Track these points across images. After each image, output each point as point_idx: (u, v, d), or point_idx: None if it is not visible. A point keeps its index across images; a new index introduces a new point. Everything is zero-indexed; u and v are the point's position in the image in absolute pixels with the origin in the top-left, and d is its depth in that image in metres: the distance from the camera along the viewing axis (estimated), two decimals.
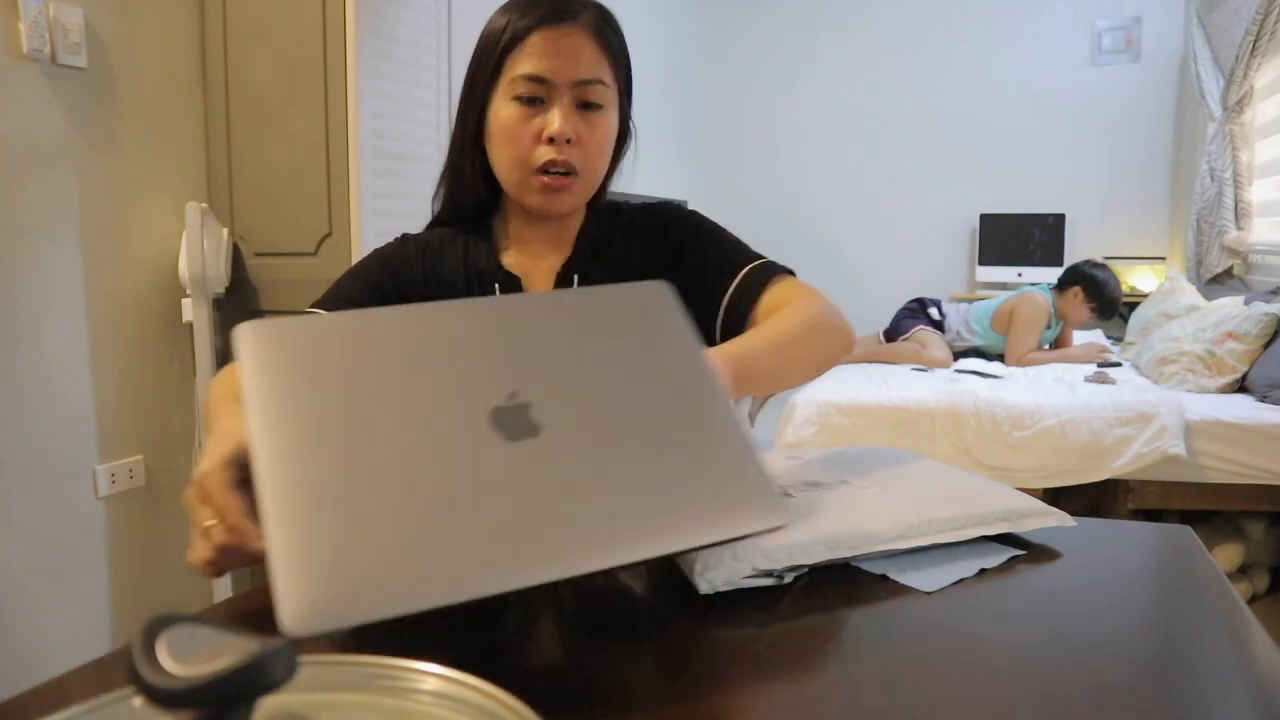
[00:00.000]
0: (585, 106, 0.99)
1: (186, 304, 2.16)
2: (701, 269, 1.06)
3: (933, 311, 3.71)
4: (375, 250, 1.08)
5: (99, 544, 2.06)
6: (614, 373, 0.60)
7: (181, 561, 2.24)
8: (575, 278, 1.06)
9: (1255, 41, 3.41)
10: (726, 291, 1.04)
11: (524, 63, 0.97)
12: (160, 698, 0.29)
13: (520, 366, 0.57)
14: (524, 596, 0.53)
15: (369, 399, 0.53)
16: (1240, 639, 0.64)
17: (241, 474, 0.63)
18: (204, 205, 2.15)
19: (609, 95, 1.01)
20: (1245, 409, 2.53)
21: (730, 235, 1.12)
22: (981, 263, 4.69)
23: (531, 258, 1.07)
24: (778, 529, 0.58)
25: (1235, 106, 3.66)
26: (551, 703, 0.40)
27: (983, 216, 4.69)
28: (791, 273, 1.08)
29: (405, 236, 1.10)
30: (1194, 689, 0.54)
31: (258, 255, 2.28)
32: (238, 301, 2.28)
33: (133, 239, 2.12)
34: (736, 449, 0.59)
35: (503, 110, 0.98)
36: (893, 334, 3.67)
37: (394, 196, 2.28)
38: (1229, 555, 2.50)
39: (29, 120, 1.88)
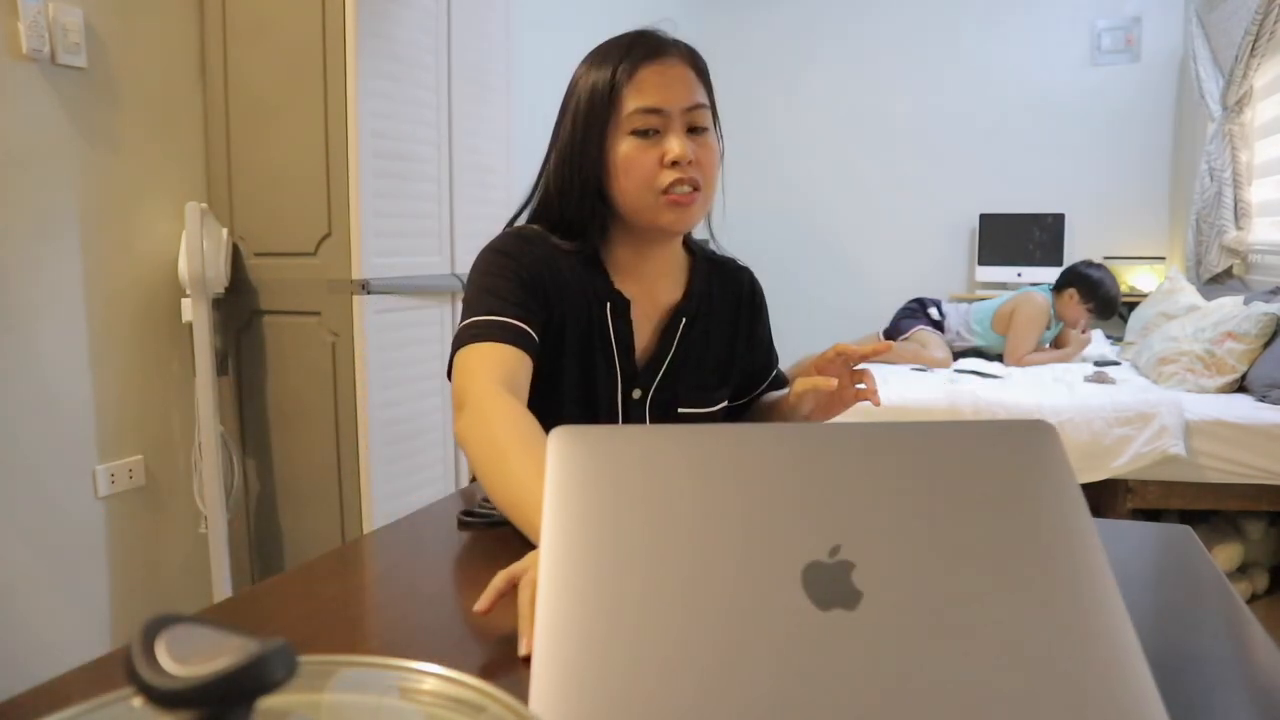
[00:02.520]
0: (694, 130, 1.07)
1: (186, 304, 2.16)
2: (754, 351, 1.26)
3: (932, 311, 3.71)
4: (496, 252, 1.08)
5: (99, 544, 2.06)
6: (968, 535, 0.47)
7: (181, 561, 2.24)
8: (683, 320, 1.16)
9: (1255, 41, 3.41)
10: (755, 391, 1.28)
11: (637, 98, 1.05)
12: (160, 698, 0.29)
13: (850, 514, 0.47)
14: None
15: (671, 530, 0.47)
16: (1240, 639, 0.64)
17: None
18: (204, 205, 2.15)
19: (710, 118, 1.10)
20: (1245, 409, 2.53)
21: (769, 325, 1.31)
22: (981, 263, 4.69)
23: (641, 286, 1.15)
24: None
25: (1235, 106, 3.66)
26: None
27: (982, 216, 4.69)
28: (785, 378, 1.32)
29: (519, 234, 1.11)
30: (1194, 689, 0.54)
31: (257, 255, 2.28)
32: (237, 301, 2.28)
33: (133, 239, 2.12)
34: (1123, 663, 0.44)
35: (622, 146, 1.06)
36: (892, 334, 3.67)
37: (394, 196, 2.28)
38: (1229, 555, 2.50)
39: (29, 120, 1.88)
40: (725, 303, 1.22)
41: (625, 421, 1.13)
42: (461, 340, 1.01)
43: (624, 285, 1.13)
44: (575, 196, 1.09)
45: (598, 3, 3.70)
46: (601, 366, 1.11)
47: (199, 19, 2.26)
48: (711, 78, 1.13)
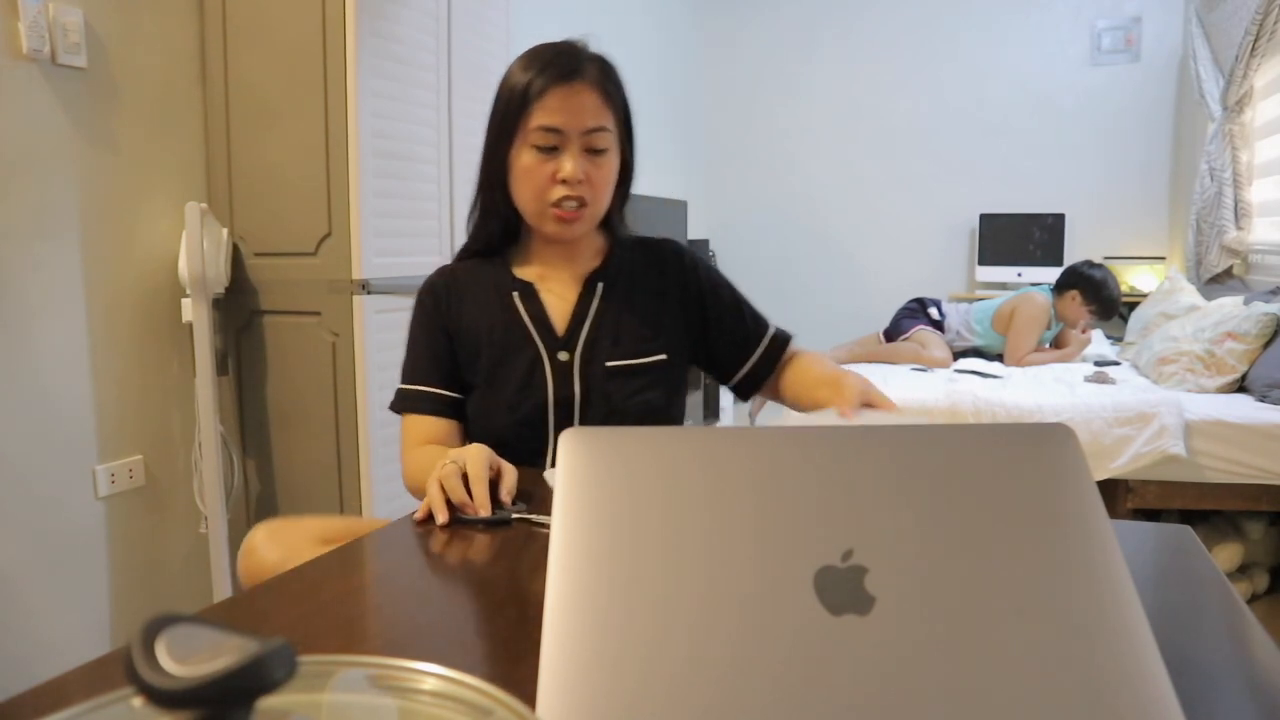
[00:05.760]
0: (592, 151, 1.18)
1: (186, 304, 2.16)
2: (724, 328, 1.32)
3: (933, 311, 3.71)
4: (418, 304, 1.29)
5: (99, 544, 2.06)
6: (984, 540, 0.46)
7: (181, 561, 2.24)
8: (600, 286, 1.26)
9: (1255, 41, 3.41)
10: (753, 355, 1.32)
11: (541, 116, 1.16)
12: (160, 698, 0.29)
13: (863, 518, 0.46)
14: None
15: (681, 533, 0.46)
16: (1240, 639, 0.64)
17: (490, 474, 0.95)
18: (204, 205, 2.15)
19: (611, 140, 1.21)
20: (1245, 409, 2.52)
21: (735, 290, 1.35)
22: (981, 263, 4.69)
23: (550, 269, 1.28)
24: None
25: (1235, 106, 3.66)
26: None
27: (983, 216, 4.69)
28: (791, 336, 1.37)
29: (434, 281, 1.29)
30: (1194, 689, 0.54)
31: (257, 255, 2.28)
32: (237, 301, 2.28)
33: (133, 239, 2.12)
34: (1143, 674, 0.43)
35: (523, 157, 1.19)
36: (893, 334, 3.67)
37: (394, 196, 2.28)
38: (1229, 555, 2.50)
39: (29, 120, 1.88)
40: (649, 269, 1.30)
41: (555, 383, 1.22)
42: (400, 404, 1.26)
43: (539, 268, 1.28)
44: (485, 189, 1.26)
45: (598, 3, 3.70)
46: (526, 346, 1.23)
47: (199, 19, 2.26)
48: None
